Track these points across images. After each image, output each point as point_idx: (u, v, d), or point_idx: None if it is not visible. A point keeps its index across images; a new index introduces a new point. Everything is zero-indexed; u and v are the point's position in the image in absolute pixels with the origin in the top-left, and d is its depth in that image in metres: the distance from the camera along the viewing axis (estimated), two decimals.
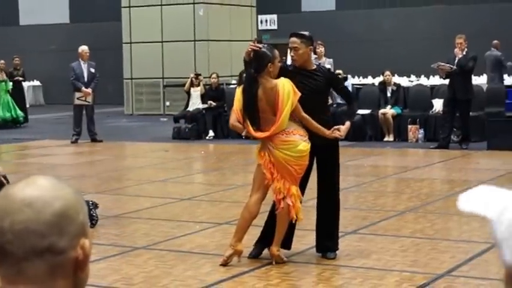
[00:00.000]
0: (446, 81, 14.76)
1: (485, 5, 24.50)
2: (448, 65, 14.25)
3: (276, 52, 6.71)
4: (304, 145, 6.56)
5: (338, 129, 6.69)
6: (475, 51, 14.38)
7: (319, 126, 6.64)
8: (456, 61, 14.28)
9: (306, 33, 6.95)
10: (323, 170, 6.86)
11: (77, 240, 1.50)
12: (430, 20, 24.73)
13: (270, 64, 6.58)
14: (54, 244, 1.46)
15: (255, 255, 6.86)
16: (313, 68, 6.92)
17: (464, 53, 14.32)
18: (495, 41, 19.29)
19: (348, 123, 6.90)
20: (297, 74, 6.82)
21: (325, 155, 6.84)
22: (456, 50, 14.36)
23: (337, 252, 6.86)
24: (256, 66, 6.65)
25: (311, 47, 6.93)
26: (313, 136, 6.63)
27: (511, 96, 16.27)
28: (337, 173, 6.96)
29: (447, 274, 6.30)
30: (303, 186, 6.83)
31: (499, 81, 18.05)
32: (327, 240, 6.88)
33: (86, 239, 1.52)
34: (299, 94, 6.56)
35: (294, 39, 6.87)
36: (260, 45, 6.83)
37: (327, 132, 6.65)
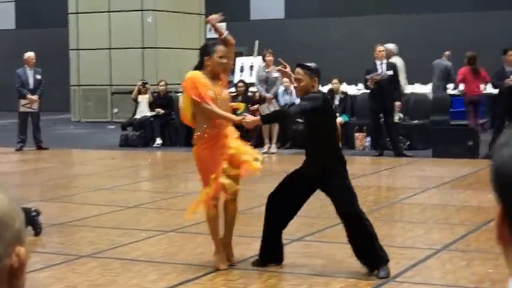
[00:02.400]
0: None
1: (434, 15, 24.83)
2: (379, 74, 14.55)
3: (217, 47, 6.67)
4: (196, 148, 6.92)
5: (245, 117, 6.68)
6: (424, 60, 14.72)
7: (226, 114, 6.68)
8: (384, 68, 14.65)
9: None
10: None
11: (12, 248, 1.47)
12: (379, 28, 24.97)
13: (206, 58, 6.64)
14: None
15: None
16: None
17: (384, 61, 14.71)
18: (447, 52, 19.53)
19: (257, 118, 6.97)
20: None
21: None
22: (378, 55, 14.76)
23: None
24: (198, 60, 6.79)
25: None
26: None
27: (456, 105, 16.55)
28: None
29: (392, 280, 6.37)
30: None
31: (443, 90, 18.33)
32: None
33: (22, 246, 1.50)
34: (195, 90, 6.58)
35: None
36: None
37: (236, 118, 6.73)
